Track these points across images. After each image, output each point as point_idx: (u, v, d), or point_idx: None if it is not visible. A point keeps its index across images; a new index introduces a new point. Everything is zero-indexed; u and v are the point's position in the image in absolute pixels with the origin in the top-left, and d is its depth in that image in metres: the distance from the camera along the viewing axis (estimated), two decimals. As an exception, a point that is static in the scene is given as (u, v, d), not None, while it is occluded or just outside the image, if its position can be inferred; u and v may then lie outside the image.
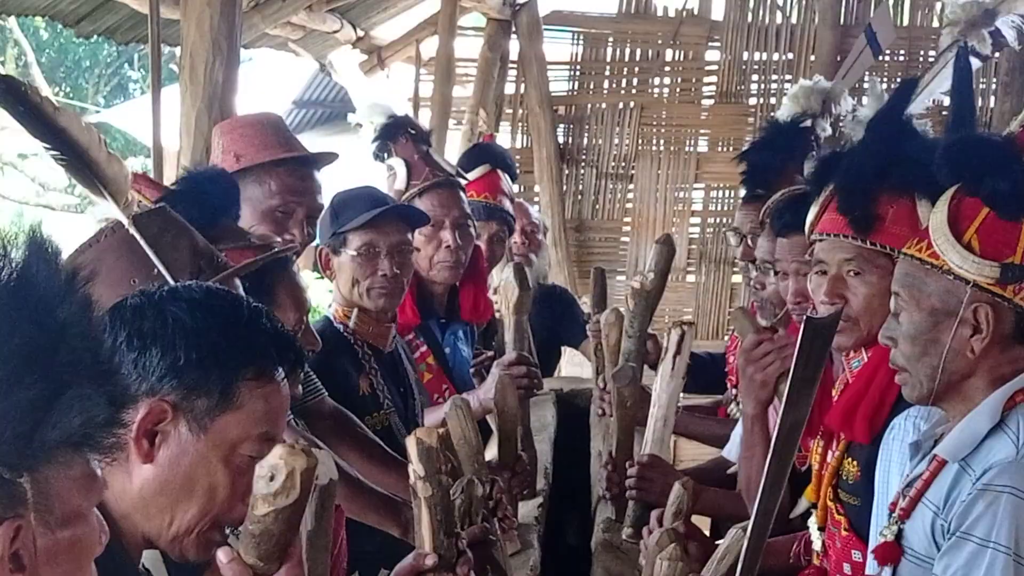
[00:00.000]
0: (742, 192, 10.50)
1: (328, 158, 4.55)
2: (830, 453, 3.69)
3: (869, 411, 3.52)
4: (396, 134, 5.82)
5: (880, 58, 10.85)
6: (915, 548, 3.05)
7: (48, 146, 2.94)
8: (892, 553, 3.10)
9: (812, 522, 3.69)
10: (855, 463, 3.57)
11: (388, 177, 5.66)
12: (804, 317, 3.05)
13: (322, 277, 4.74)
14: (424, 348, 5.26)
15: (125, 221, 2.85)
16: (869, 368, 3.48)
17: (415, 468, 2.99)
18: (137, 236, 2.83)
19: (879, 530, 3.18)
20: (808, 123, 5.55)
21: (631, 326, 5.06)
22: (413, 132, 5.88)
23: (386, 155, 5.85)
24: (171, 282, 2.71)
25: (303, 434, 3.89)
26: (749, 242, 5.12)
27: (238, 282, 2.98)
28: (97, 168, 2.95)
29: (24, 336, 1.60)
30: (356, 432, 4.07)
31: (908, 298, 3.03)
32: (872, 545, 3.21)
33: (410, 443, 3.03)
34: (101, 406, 1.62)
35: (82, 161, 2.94)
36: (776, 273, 4.21)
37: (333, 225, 4.56)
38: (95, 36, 7.19)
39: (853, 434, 3.57)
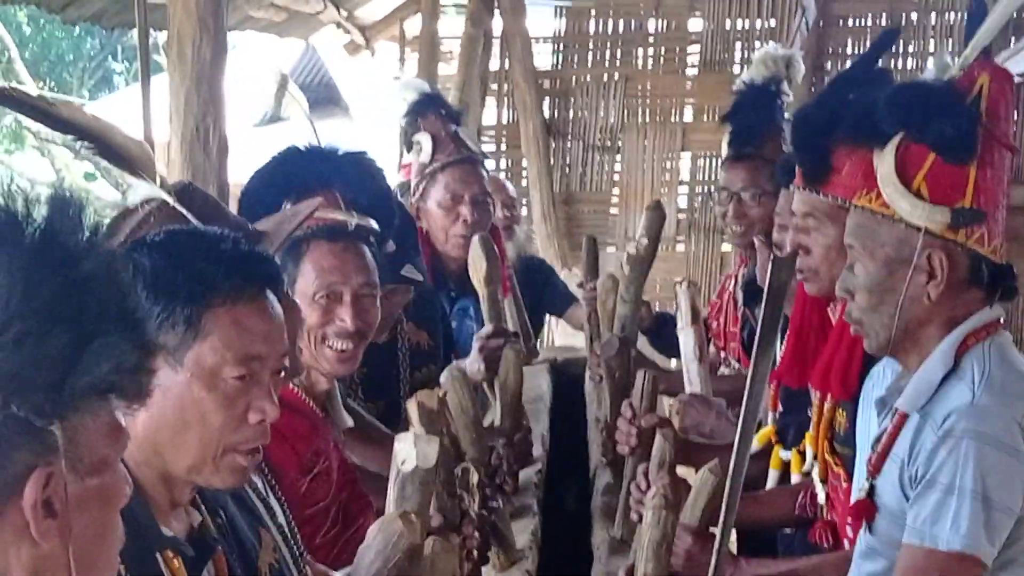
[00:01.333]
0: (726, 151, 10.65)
1: None
2: (825, 405, 3.72)
3: (841, 368, 3.54)
4: (426, 110, 5.89)
5: (863, 23, 10.92)
6: (887, 503, 3.07)
7: (75, 137, 2.92)
8: (866, 509, 3.13)
9: (815, 474, 3.72)
10: (845, 414, 3.60)
11: (415, 150, 5.73)
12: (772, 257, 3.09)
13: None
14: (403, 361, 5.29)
15: (169, 199, 2.85)
16: (839, 324, 3.50)
17: (417, 432, 3.02)
18: (183, 211, 2.84)
19: (856, 484, 3.22)
20: (775, 88, 5.58)
21: (627, 291, 5.10)
22: (443, 111, 5.96)
23: (415, 129, 5.92)
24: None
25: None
26: (745, 199, 5.17)
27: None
28: (125, 151, 2.92)
29: (50, 289, 1.63)
30: (371, 433, 4.08)
31: (862, 249, 3.05)
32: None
33: (411, 406, 3.06)
34: (128, 352, 1.65)
35: (109, 148, 2.92)
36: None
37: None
38: (81, 22, 7.19)
39: (833, 392, 3.60)
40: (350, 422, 3.56)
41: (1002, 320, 3.09)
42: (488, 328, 4.77)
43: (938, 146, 2.99)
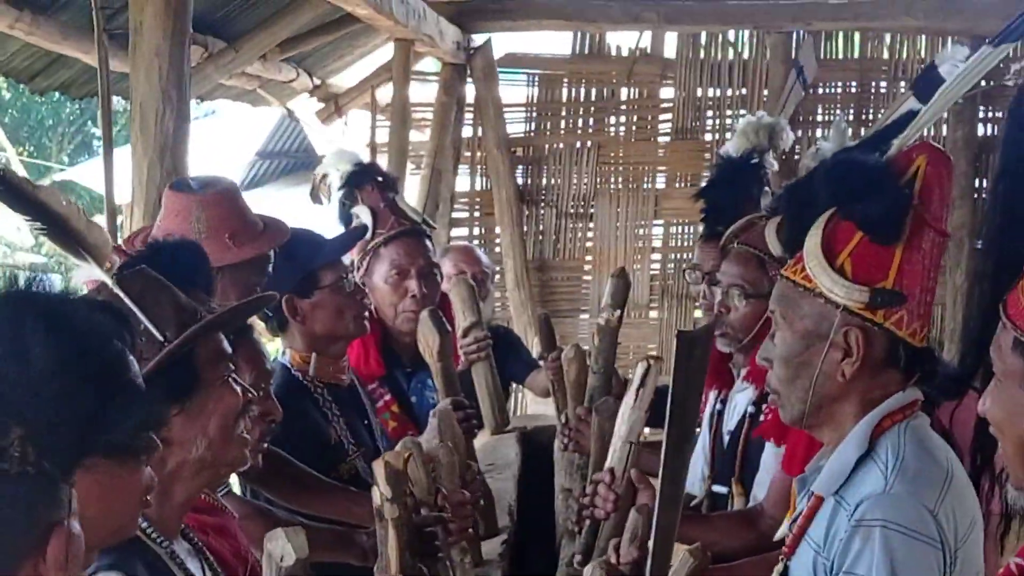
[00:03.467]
0: (702, 228, 10.64)
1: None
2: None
3: (802, 453, 3.53)
4: (363, 181, 5.82)
5: (833, 90, 10.98)
6: None
7: (29, 219, 2.98)
8: None
9: None
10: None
11: (355, 225, 5.66)
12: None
13: (274, 339, 4.70)
14: (388, 397, 5.24)
15: (109, 282, 2.90)
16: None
17: (382, 491, 3.05)
18: (122, 295, 2.88)
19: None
20: (757, 159, 5.57)
21: (596, 362, 5.10)
22: (380, 180, 5.89)
23: (352, 203, 5.86)
24: (159, 337, 2.83)
25: (251, 503, 3.90)
26: (703, 284, 5.16)
27: (223, 337, 3.03)
28: (79, 236, 2.99)
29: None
30: (289, 469, 4.06)
31: (782, 319, 3.06)
32: None
33: (377, 467, 3.07)
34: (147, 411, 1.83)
35: (63, 230, 2.98)
36: (747, 297, 4.29)
37: (296, 268, 4.52)
38: (49, 91, 7.20)
39: (797, 471, 3.58)
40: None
41: (918, 402, 3.09)
42: (447, 402, 4.73)
43: (865, 225, 2.99)
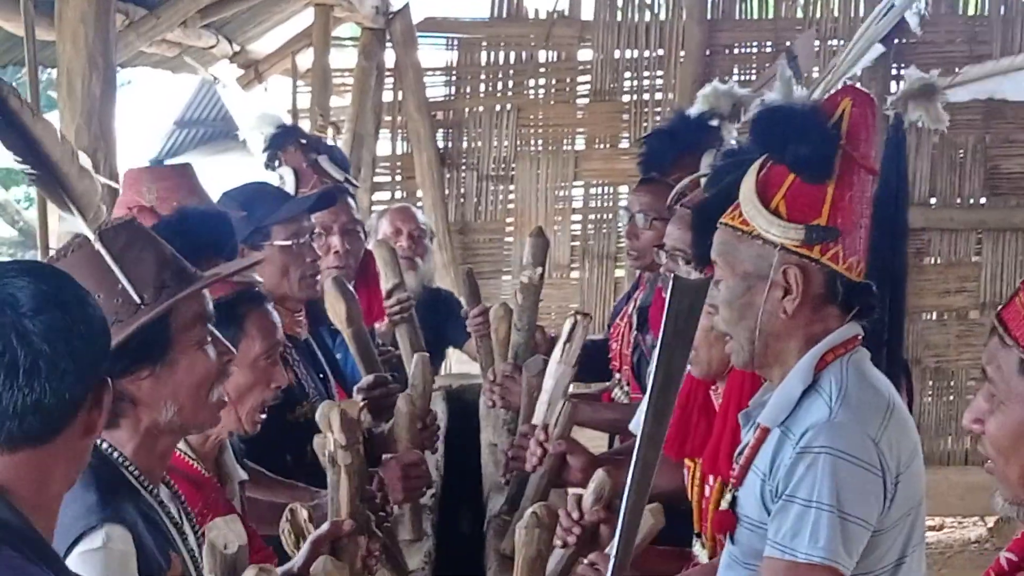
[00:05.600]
0: (622, 188, 10.73)
1: None
2: (707, 487, 3.80)
3: (728, 452, 3.63)
4: (285, 143, 5.90)
5: (748, 50, 11.06)
6: (748, 514, 3.15)
7: (20, 159, 2.94)
8: (728, 520, 3.22)
9: (701, 552, 3.80)
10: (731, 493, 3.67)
11: (279, 185, 5.71)
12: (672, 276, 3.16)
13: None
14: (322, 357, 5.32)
15: (91, 236, 2.89)
16: (723, 407, 3.58)
17: (336, 438, 3.10)
18: (102, 250, 2.87)
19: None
20: (716, 122, 5.64)
21: (520, 320, 5.19)
22: (303, 141, 5.96)
23: (276, 164, 5.93)
24: (134, 296, 2.84)
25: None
26: (638, 222, 5.27)
27: (208, 297, 3.05)
28: (67, 182, 2.95)
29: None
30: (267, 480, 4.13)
31: (724, 265, 3.14)
32: None
33: (333, 413, 3.12)
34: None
35: (53, 175, 2.95)
36: (688, 262, 4.20)
37: (248, 222, 4.56)
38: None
39: (723, 474, 3.67)
40: (244, 475, 3.60)
41: (860, 337, 3.20)
42: (369, 379, 4.78)
43: (796, 166, 3.08)
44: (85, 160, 3.07)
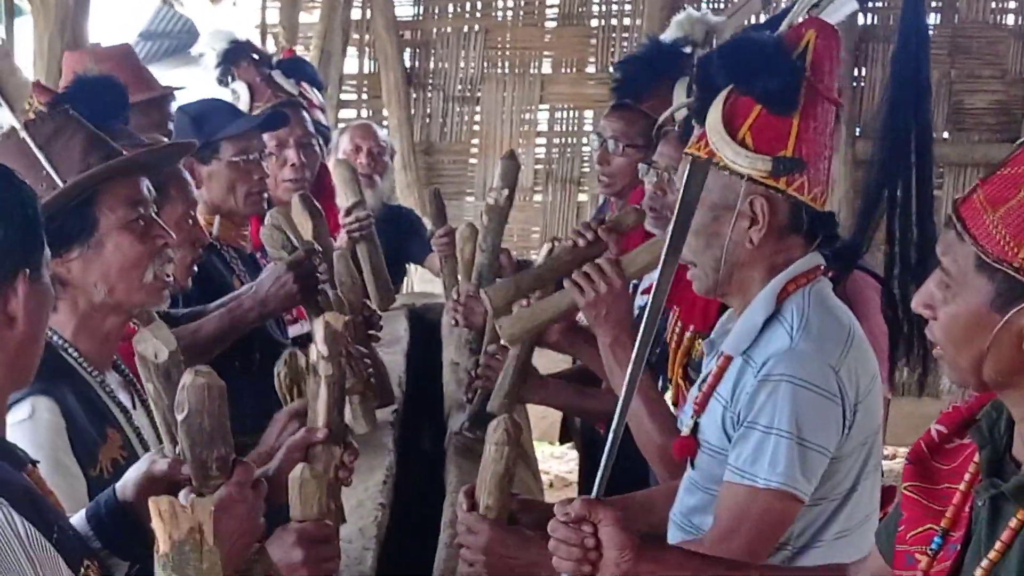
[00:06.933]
0: (587, 113, 10.73)
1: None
2: (686, 335, 3.88)
3: (703, 303, 3.70)
4: (238, 58, 5.92)
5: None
6: (709, 440, 3.20)
7: None
8: (689, 446, 3.26)
9: (667, 397, 3.87)
10: (702, 344, 3.74)
11: (232, 100, 5.73)
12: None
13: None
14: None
15: (18, 126, 2.99)
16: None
17: (319, 349, 3.13)
18: (28, 140, 2.97)
19: (683, 421, 3.35)
20: (689, 49, 5.66)
21: (484, 241, 5.21)
22: (256, 56, 5.98)
23: (229, 79, 5.95)
24: (59, 182, 2.93)
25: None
26: (608, 148, 5.31)
27: (145, 182, 3.13)
28: (2, 78, 3.06)
29: None
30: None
31: None
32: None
33: (317, 325, 3.17)
34: None
35: None
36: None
37: (198, 135, 4.57)
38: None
39: (695, 324, 3.75)
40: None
41: (822, 267, 3.26)
42: (299, 252, 4.77)
43: (763, 98, 3.09)
44: (15, 60, 3.17)
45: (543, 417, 6.51)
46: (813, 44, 3.16)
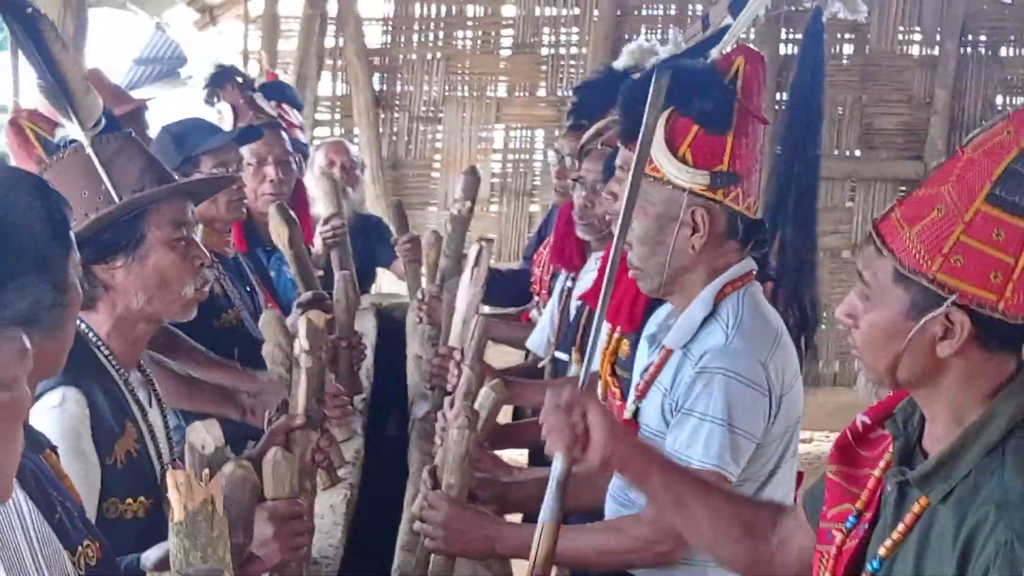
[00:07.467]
0: (538, 131, 10.73)
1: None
2: (614, 335, 3.88)
3: (629, 306, 3.70)
4: (223, 81, 5.92)
5: (655, 12, 11.05)
6: (649, 424, 3.23)
7: (39, 76, 3.10)
8: (630, 428, 3.27)
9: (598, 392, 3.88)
10: (628, 344, 3.76)
11: (217, 120, 5.73)
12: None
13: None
14: (251, 273, 5.33)
15: (86, 143, 3.01)
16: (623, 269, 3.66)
17: (302, 343, 3.15)
18: (92, 156, 2.99)
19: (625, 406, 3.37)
20: (638, 76, 5.68)
21: (448, 247, 5.24)
22: (240, 80, 5.97)
23: (215, 100, 5.94)
24: (115, 197, 2.96)
25: (156, 357, 3.98)
26: (565, 164, 5.37)
27: (191, 207, 3.17)
28: (74, 97, 3.08)
29: None
30: (183, 343, 4.14)
31: (637, 208, 3.15)
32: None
33: (300, 321, 3.18)
34: (47, 292, 1.71)
35: (63, 90, 3.08)
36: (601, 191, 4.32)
37: (180, 151, 4.60)
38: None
39: (621, 325, 3.75)
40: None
41: (754, 272, 3.27)
42: (308, 295, 4.78)
43: (700, 119, 3.13)
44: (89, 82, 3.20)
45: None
46: (743, 70, 3.19)
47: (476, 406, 3.45)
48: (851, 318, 2.20)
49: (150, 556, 2.56)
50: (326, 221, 5.84)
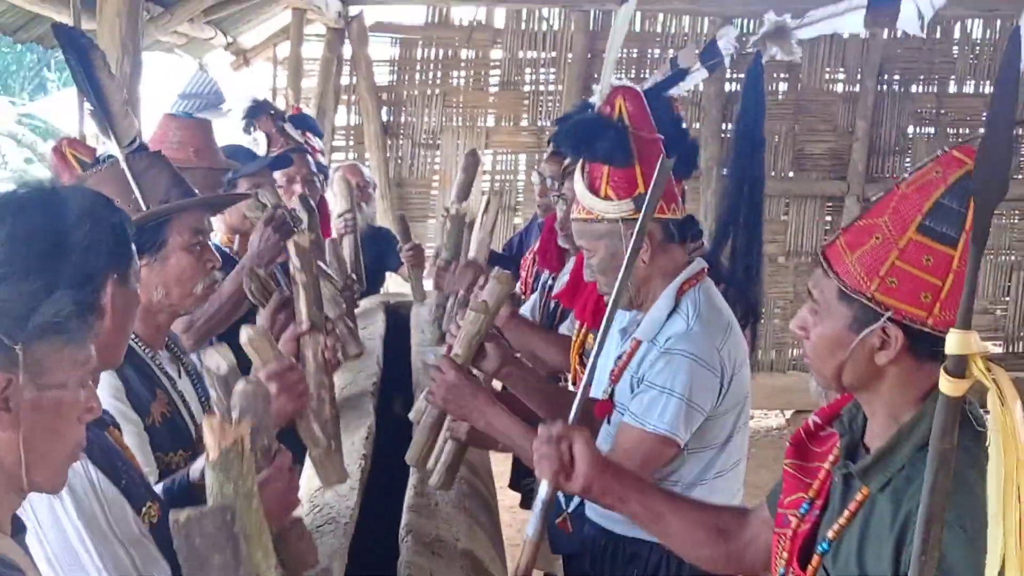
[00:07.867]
0: (521, 156, 10.73)
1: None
2: (582, 330, 3.88)
3: (594, 305, 3.70)
4: (259, 113, 5.92)
5: (617, 56, 11.04)
6: (623, 402, 3.23)
7: (87, 97, 3.13)
8: (606, 407, 3.30)
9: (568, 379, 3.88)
10: (593, 337, 3.77)
11: (252, 144, 5.75)
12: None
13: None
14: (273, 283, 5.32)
15: (121, 159, 3.03)
16: (577, 269, 3.66)
17: (294, 263, 3.14)
18: (126, 169, 3.00)
19: (601, 389, 3.37)
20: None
21: (448, 241, 5.25)
22: (272, 112, 5.97)
23: (252, 129, 5.95)
24: (143, 207, 2.97)
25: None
26: (547, 184, 5.41)
27: (207, 218, 3.20)
28: (115, 120, 3.10)
29: (37, 248, 1.69)
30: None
31: (590, 247, 3.18)
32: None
33: (290, 245, 3.17)
34: (71, 307, 1.68)
35: (106, 113, 3.10)
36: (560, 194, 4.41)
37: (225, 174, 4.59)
38: (29, 41, 7.06)
39: (588, 322, 3.75)
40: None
41: (705, 270, 3.28)
42: (268, 211, 4.45)
43: (606, 160, 3.13)
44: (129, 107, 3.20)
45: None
46: (624, 106, 3.17)
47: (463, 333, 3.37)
48: (803, 330, 2.20)
49: (196, 467, 2.60)
50: (340, 215, 5.86)
